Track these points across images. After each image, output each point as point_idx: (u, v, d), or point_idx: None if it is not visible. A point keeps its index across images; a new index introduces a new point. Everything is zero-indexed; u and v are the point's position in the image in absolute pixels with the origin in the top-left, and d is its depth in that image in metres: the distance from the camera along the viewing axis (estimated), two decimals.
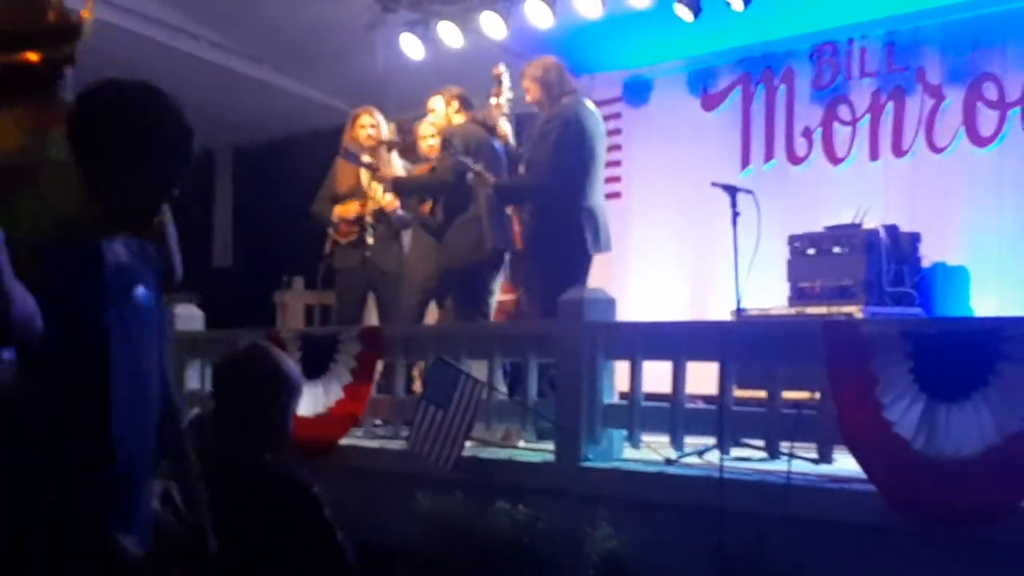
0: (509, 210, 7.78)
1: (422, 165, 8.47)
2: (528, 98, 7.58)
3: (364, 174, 8.26)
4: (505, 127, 8.04)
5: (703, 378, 5.64)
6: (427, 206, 8.28)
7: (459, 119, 8.03)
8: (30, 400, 2.76)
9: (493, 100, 7.99)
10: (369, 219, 8.18)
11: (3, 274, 2.40)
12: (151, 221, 3.12)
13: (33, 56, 3.52)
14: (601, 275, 7.96)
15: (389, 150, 8.41)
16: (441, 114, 8.16)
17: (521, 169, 7.75)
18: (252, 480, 3.92)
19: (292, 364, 4.18)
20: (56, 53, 3.55)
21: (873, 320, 6.69)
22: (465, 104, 8.04)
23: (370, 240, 8.14)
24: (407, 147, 8.67)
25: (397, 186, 8.19)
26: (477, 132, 7.89)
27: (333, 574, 3.99)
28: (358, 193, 8.28)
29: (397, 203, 8.24)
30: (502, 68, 8.02)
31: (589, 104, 7.55)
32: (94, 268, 2.83)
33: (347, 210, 8.28)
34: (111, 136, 2.87)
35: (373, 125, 8.32)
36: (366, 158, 8.19)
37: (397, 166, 8.40)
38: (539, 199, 7.37)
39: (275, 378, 4.03)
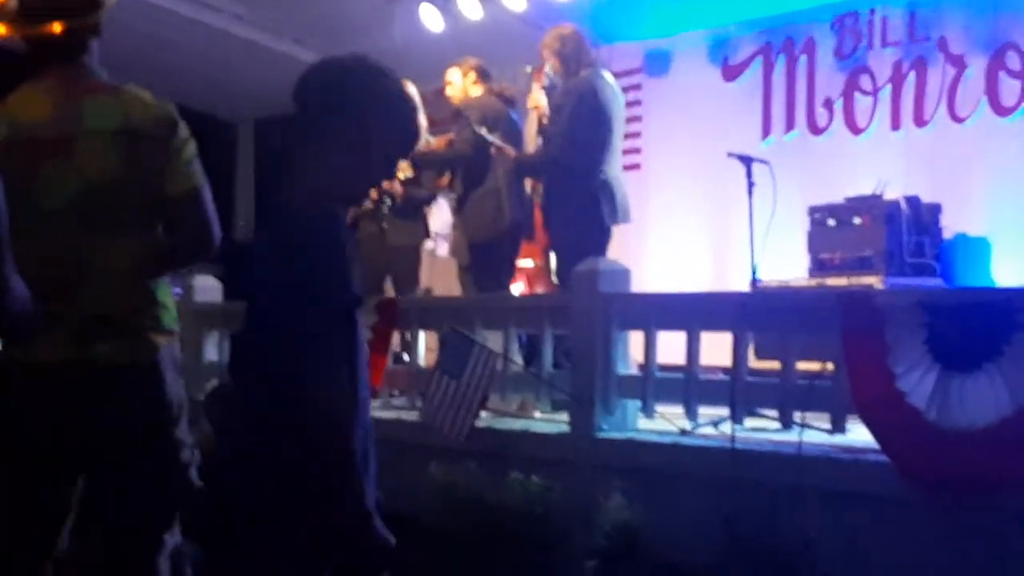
0: (528, 185, 7.76)
1: (440, 137, 8.44)
2: (547, 68, 7.55)
3: None
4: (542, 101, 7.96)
5: (720, 349, 5.61)
6: (444, 179, 8.26)
7: (476, 91, 8.01)
8: (316, 376, 2.75)
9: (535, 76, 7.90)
10: (374, 195, 8.17)
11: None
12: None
13: (57, 27, 3.51)
14: (620, 246, 7.93)
15: None
16: (459, 86, 8.13)
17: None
18: None
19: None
20: (80, 23, 3.54)
21: (887, 291, 6.65)
22: (482, 75, 8.01)
23: (383, 211, 8.11)
24: (428, 120, 8.63)
25: (415, 160, 8.17)
26: (495, 104, 7.88)
27: None
28: None
29: (395, 182, 8.15)
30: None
31: (607, 76, 7.48)
32: (350, 238, 2.93)
33: None
34: (356, 109, 2.93)
35: None
36: None
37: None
38: (554, 172, 7.34)
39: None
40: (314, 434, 2.75)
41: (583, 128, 7.13)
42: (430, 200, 8.53)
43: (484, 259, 7.81)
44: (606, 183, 7.19)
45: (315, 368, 2.73)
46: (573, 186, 7.19)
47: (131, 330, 3.44)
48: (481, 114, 7.75)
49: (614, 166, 7.31)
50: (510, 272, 7.91)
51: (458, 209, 8.10)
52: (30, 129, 3.44)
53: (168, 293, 3.63)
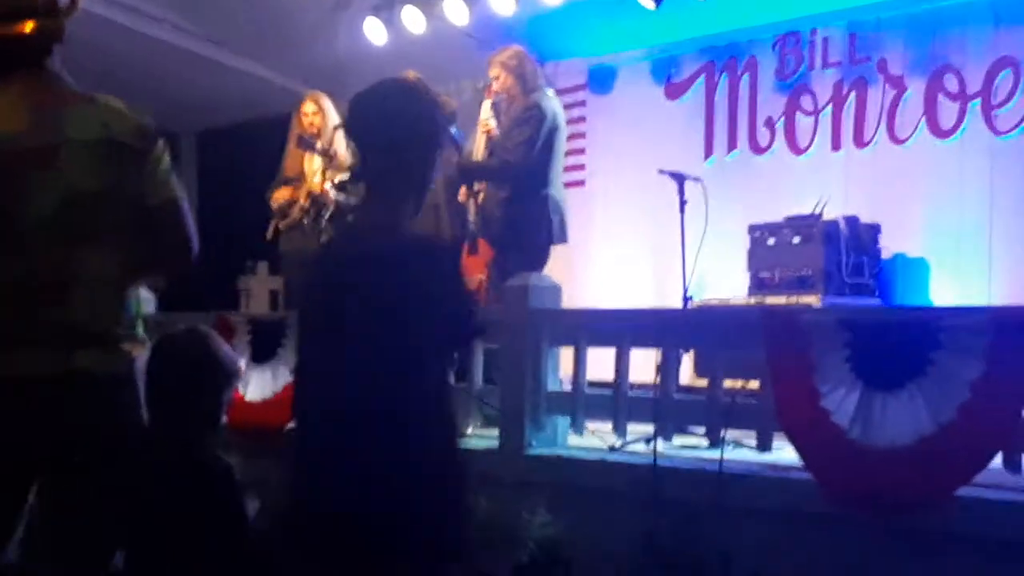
0: (464, 197, 7.72)
1: None
2: (497, 86, 7.53)
3: (308, 160, 8.23)
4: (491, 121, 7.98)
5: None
6: None
7: None
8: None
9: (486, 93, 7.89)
10: (303, 202, 8.14)
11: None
12: None
13: (29, 26, 3.47)
14: (564, 263, 7.93)
15: (317, 140, 8.37)
16: None
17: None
18: (174, 460, 3.88)
19: (229, 350, 4.11)
20: (50, 24, 3.50)
21: (811, 309, 6.66)
22: None
23: (322, 222, 8.08)
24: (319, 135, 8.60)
25: (353, 173, 8.15)
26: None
27: (235, 545, 3.94)
28: (301, 180, 8.26)
29: (328, 186, 8.15)
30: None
31: (554, 97, 7.52)
32: None
33: (280, 195, 8.26)
34: (418, 132, 3.12)
35: (315, 112, 8.28)
36: (320, 145, 8.14)
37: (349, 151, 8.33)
38: (507, 184, 7.30)
39: (209, 364, 3.97)
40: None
41: (542, 145, 7.14)
42: (349, 208, 8.52)
43: None
44: (557, 202, 7.19)
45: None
46: (528, 202, 7.17)
47: (110, 341, 3.41)
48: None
49: (558, 187, 7.31)
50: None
51: None
52: (10, 140, 3.39)
53: (139, 302, 3.61)
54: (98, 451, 3.41)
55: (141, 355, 3.58)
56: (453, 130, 7.90)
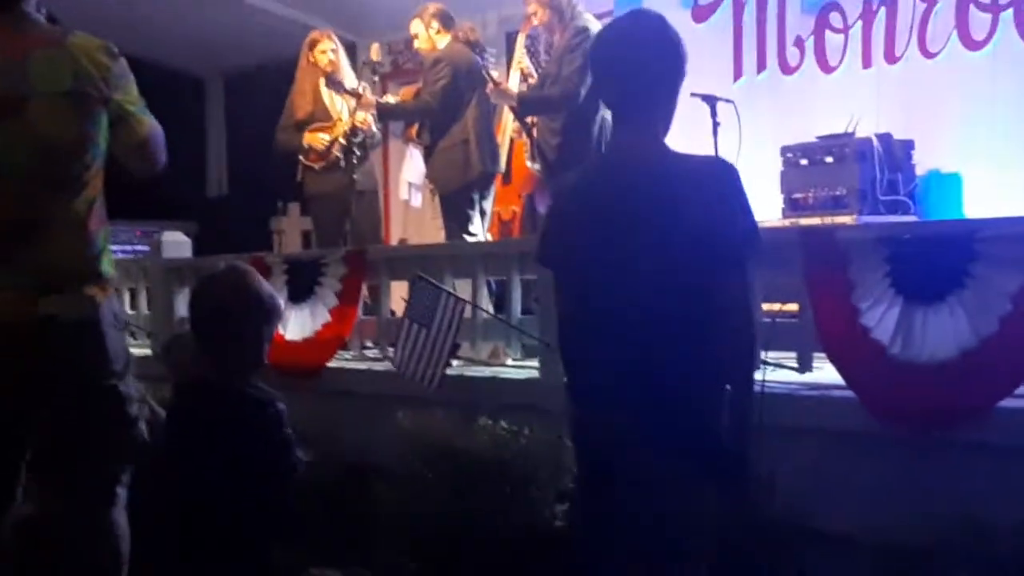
0: (517, 132, 7.69)
1: (408, 88, 8.38)
2: (536, 21, 7.49)
3: (329, 98, 8.19)
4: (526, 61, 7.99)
5: None
6: (412, 130, 8.21)
7: (442, 40, 7.93)
8: None
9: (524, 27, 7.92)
10: (343, 141, 8.11)
11: None
12: None
13: None
14: None
15: (374, 73, 8.34)
16: (424, 37, 8.04)
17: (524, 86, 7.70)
18: (221, 399, 3.91)
19: (268, 287, 4.15)
20: None
21: (848, 227, 6.62)
22: (444, 22, 7.93)
23: (355, 160, 8.07)
24: (396, 69, 8.58)
25: (382, 113, 8.13)
26: (464, 53, 7.82)
27: (282, 488, 3.99)
28: (321, 118, 8.20)
29: (371, 121, 8.16)
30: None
31: (594, 22, 7.43)
32: None
33: (316, 139, 8.20)
34: (676, 57, 3.26)
35: (333, 49, 8.25)
36: (351, 83, 8.11)
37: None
38: (567, 112, 7.26)
39: (249, 300, 4.00)
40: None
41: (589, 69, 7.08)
42: (378, 144, 8.52)
43: (454, 208, 7.78)
44: (606, 124, 7.10)
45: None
46: (585, 126, 7.13)
47: (75, 285, 3.42)
48: (452, 64, 7.70)
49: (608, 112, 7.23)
50: (481, 220, 7.88)
51: (426, 159, 8.06)
52: None
53: (108, 237, 3.62)
54: (73, 399, 3.43)
55: (107, 298, 3.57)
56: (480, 60, 7.88)
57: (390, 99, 8.46)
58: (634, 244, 3.05)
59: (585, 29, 7.13)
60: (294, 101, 8.40)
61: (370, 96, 8.08)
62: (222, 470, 3.76)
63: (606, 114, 7.14)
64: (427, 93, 7.79)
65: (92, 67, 3.48)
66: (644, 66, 3.20)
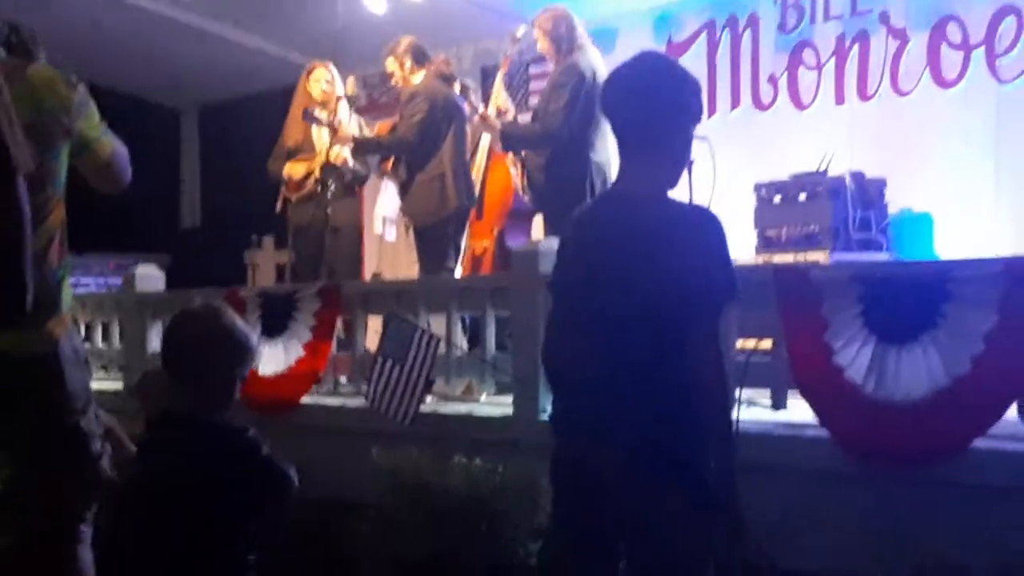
0: (512, 163, 7.71)
1: (384, 122, 8.39)
2: (539, 48, 7.55)
3: (315, 130, 8.18)
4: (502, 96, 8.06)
5: None
6: (387, 164, 8.22)
7: (417, 76, 7.94)
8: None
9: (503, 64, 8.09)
10: (317, 175, 8.11)
11: None
12: None
13: None
14: None
15: (350, 106, 8.34)
16: (399, 76, 8.05)
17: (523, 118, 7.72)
18: (192, 432, 3.89)
19: (242, 325, 4.11)
20: None
21: (822, 265, 6.65)
22: (417, 58, 7.94)
23: (328, 195, 8.06)
24: (371, 103, 8.58)
25: (357, 146, 8.13)
26: (440, 87, 7.84)
27: (280, 503, 3.97)
28: (306, 149, 8.20)
29: (347, 156, 8.15)
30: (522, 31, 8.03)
31: (597, 56, 7.45)
32: None
33: (295, 169, 8.20)
34: (684, 99, 3.32)
35: (328, 80, 8.24)
36: (325, 116, 8.11)
37: (353, 123, 8.31)
38: (549, 149, 7.26)
39: (223, 339, 3.96)
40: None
41: (581, 108, 7.07)
42: (365, 179, 8.51)
43: (429, 243, 7.78)
44: (599, 166, 7.10)
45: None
46: (567, 165, 7.12)
47: (32, 320, 3.39)
48: (429, 100, 7.71)
49: (601, 148, 7.16)
50: (456, 255, 7.88)
51: (402, 194, 8.06)
52: None
53: (69, 269, 3.60)
54: (33, 435, 3.41)
55: (67, 333, 3.55)
56: (454, 96, 7.91)
57: (366, 132, 8.46)
58: (619, 282, 3.13)
59: (574, 66, 7.14)
60: (286, 129, 8.39)
61: (346, 130, 8.08)
62: (198, 501, 3.73)
63: (595, 154, 7.14)
64: (403, 127, 7.80)
65: (53, 99, 3.46)
66: (647, 109, 3.26)
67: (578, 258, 3.32)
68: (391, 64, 8.01)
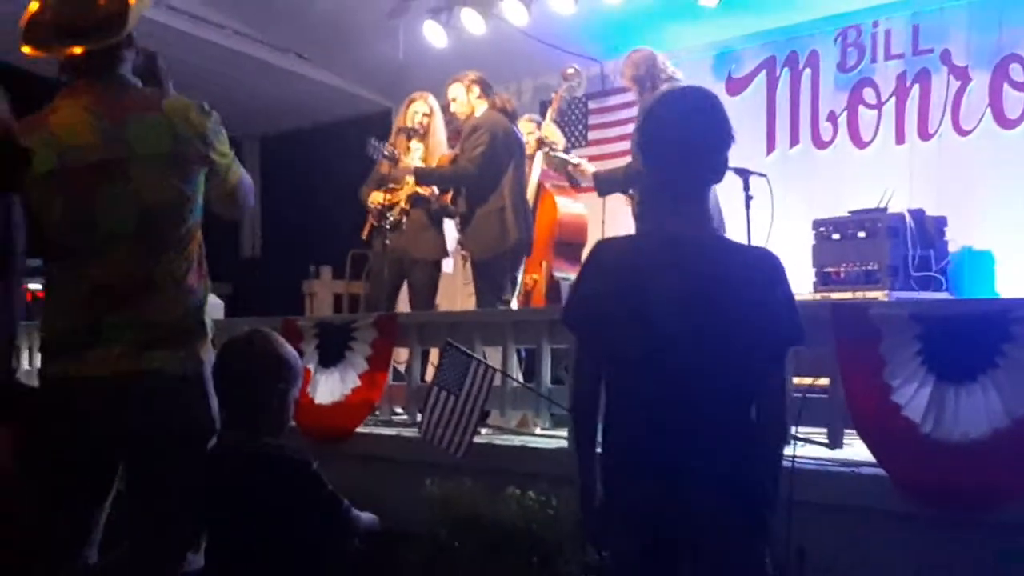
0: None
1: (445, 154, 8.43)
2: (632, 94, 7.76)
3: (409, 160, 8.22)
4: (554, 131, 8.14)
5: None
6: (447, 196, 8.24)
7: (481, 106, 8.00)
8: None
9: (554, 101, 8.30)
10: (404, 205, 8.13)
11: None
12: None
13: (77, 50, 3.53)
14: None
15: (409, 138, 8.37)
16: (463, 101, 8.10)
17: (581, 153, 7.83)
18: (250, 462, 3.91)
19: (291, 350, 4.15)
20: (100, 45, 3.55)
21: (881, 303, 6.61)
22: (485, 90, 8.00)
23: (389, 226, 8.08)
24: (427, 133, 8.60)
25: (418, 177, 8.15)
26: (502, 121, 7.88)
27: (342, 544, 3.99)
28: (397, 177, 8.22)
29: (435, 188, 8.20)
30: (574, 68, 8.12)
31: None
32: None
33: (375, 197, 8.22)
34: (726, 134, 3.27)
35: (426, 113, 8.24)
36: (388, 149, 8.15)
37: (416, 155, 8.34)
38: (638, 188, 7.32)
39: (273, 364, 4.00)
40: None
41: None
42: (454, 214, 8.53)
43: (487, 276, 7.81)
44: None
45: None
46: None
47: (181, 341, 3.49)
48: (491, 132, 7.75)
49: None
50: (512, 288, 7.90)
51: (462, 228, 8.09)
52: (80, 155, 3.48)
53: (208, 290, 3.71)
54: (171, 447, 3.48)
55: (210, 354, 3.64)
56: (515, 129, 7.96)
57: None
58: (687, 327, 3.08)
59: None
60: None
61: (407, 161, 8.12)
62: (259, 539, 3.76)
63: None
64: (465, 159, 7.84)
65: (189, 129, 3.56)
66: (695, 144, 3.22)
67: (618, 297, 3.19)
68: (456, 89, 8.05)
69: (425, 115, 8.25)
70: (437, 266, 8.43)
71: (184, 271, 3.59)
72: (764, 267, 3.16)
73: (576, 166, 7.67)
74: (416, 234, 8.22)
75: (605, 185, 7.62)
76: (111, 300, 3.46)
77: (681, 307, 3.08)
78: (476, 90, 8.01)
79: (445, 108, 8.40)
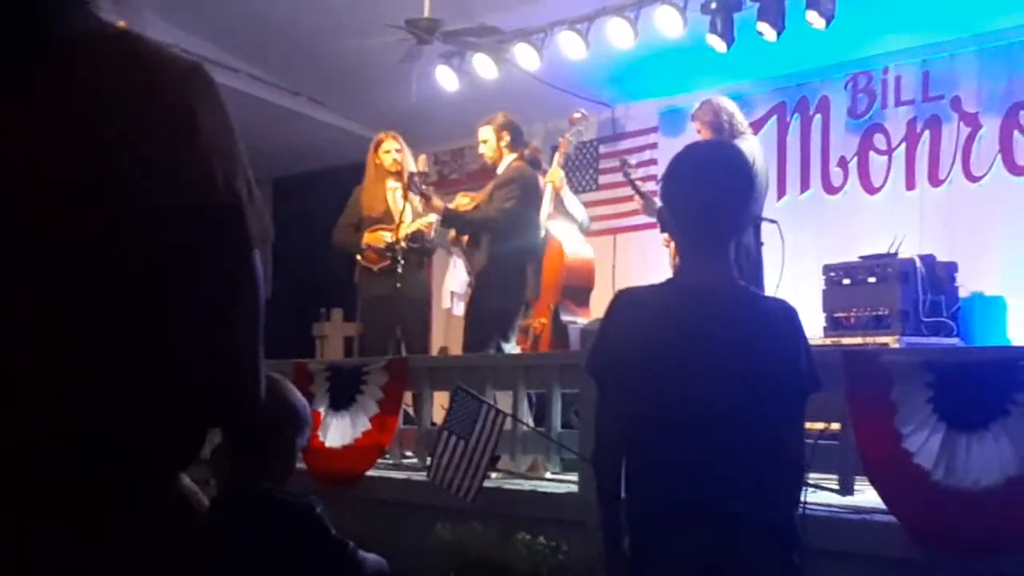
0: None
1: (467, 194, 8.46)
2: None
3: (394, 200, 8.27)
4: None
5: None
6: (465, 237, 8.26)
7: (509, 156, 7.99)
8: None
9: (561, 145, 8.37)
10: (403, 244, 8.18)
11: None
12: None
13: None
14: None
15: (421, 183, 8.40)
16: (492, 147, 8.11)
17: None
18: (254, 507, 3.92)
19: (300, 397, 4.16)
20: None
21: (892, 349, 6.61)
22: (515, 138, 8.00)
23: (399, 269, 8.13)
24: (442, 180, 8.68)
25: (446, 218, 8.20)
26: (533, 178, 7.94)
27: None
28: (386, 219, 8.27)
29: (432, 227, 8.27)
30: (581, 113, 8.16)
31: (756, 144, 7.56)
32: None
33: (377, 238, 8.27)
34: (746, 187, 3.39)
35: (398, 150, 8.35)
36: (425, 188, 8.22)
37: (397, 193, 8.42)
38: None
39: (283, 410, 4.01)
40: None
41: None
42: (433, 251, 8.59)
43: (496, 324, 7.84)
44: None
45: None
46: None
47: None
48: (523, 187, 7.79)
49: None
50: (512, 337, 7.89)
51: (480, 273, 8.10)
52: None
53: None
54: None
55: None
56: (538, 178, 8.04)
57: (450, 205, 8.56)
58: (714, 378, 3.09)
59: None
60: (361, 200, 8.50)
61: (439, 200, 8.17)
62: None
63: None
64: (492, 208, 7.86)
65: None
66: (715, 195, 3.25)
67: (642, 346, 3.19)
68: (486, 132, 8.06)
69: (397, 151, 8.34)
70: (428, 306, 8.52)
71: None
72: (784, 317, 3.21)
73: (644, 196, 7.69)
74: (410, 275, 8.32)
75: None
76: None
77: (706, 356, 3.10)
78: (507, 138, 8.01)
79: (457, 151, 8.48)
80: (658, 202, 7.50)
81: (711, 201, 3.24)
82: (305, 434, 4.10)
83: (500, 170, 7.99)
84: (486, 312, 7.93)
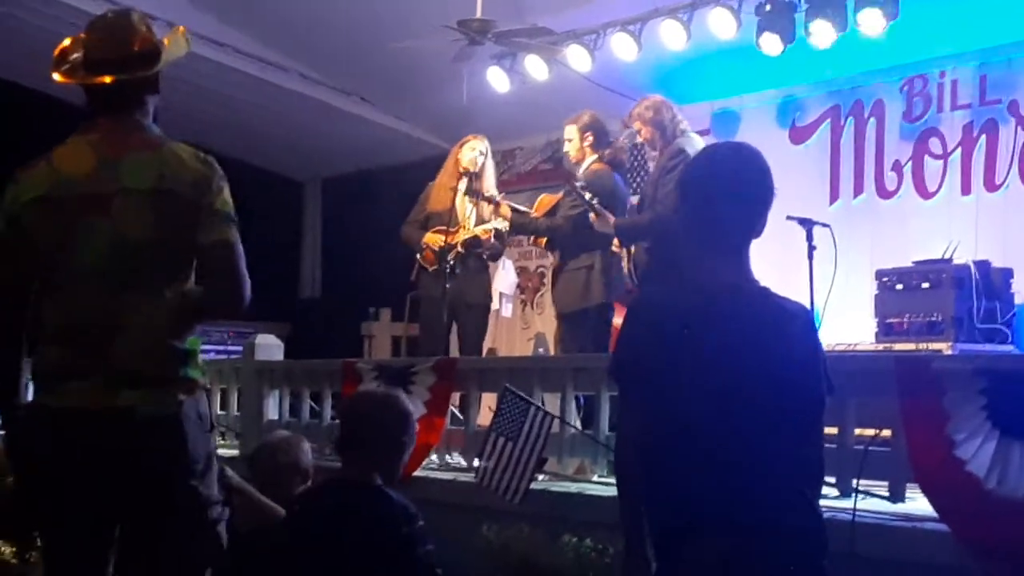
0: (616, 246, 7.71)
1: (547, 195, 8.44)
2: (640, 138, 7.58)
3: (461, 203, 8.26)
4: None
5: None
6: (543, 240, 8.23)
7: (592, 157, 7.93)
8: None
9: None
10: (460, 248, 8.16)
11: None
12: None
13: (107, 79, 3.54)
14: None
15: (460, 178, 8.39)
16: (576, 146, 8.06)
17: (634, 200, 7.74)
18: (363, 496, 4.31)
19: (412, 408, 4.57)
20: (132, 77, 3.57)
21: (945, 356, 6.52)
22: (598, 139, 7.92)
23: (448, 271, 8.11)
24: (497, 180, 8.65)
25: (514, 225, 8.19)
26: (608, 181, 7.82)
27: None
28: (448, 220, 8.23)
29: (493, 232, 8.24)
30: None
31: (699, 141, 7.45)
32: None
33: (434, 239, 8.26)
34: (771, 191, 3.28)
35: (482, 152, 8.33)
36: (490, 189, 8.23)
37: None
38: (658, 236, 7.25)
39: (404, 419, 4.53)
40: None
41: None
42: (499, 255, 8.56)
43: (570, 329, 7.81)
44: None
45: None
46: (674, 252, 7.08)
47: (156, 382, 3.44)
48: (593, 190, 7.71)
49: None
50: (596, 344, 7.78)
51: (553, 280, 8.11)
52: (70, 185, 3.47)
53: (197, 342, 3.63)
54: (151, 496, 3.44)
55: (193, 398, 3.55)
56: (617, 177, 7.97)
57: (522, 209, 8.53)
58: (739, 379, 3.07)
59: (681, 151, 7.13)
60: (430, 195, 8.50)
61: (507, 207, 8.15)
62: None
63: None
64: (562, 216, 7.84)
65: (181, 170, 3.51)
66: (741, 198, 3.22)
67: (663, 349, 3.15)
68: (571, 131, 7.99)
69: (481, 154, 8.31)
70: (487, 311, 8.49)
71: (159, 320, 3.52)
72: (803, 320, 3.20)
73: (599, 214, 7.54)
74: (470, 278, 8.31)
75: (628, 234, 7.51)
76: (86, 338, 3.42)
77: (727, 359, 3.07)
78: (590, 138, 7.94)
79: (509, 152, 8.46)
80: (612, 218, 7.45)
81: (736, 204, 3.21)
82: (410, 448, 4.63)
83: (581, 171, 7.94)
84: (561, 318, 7.94)
